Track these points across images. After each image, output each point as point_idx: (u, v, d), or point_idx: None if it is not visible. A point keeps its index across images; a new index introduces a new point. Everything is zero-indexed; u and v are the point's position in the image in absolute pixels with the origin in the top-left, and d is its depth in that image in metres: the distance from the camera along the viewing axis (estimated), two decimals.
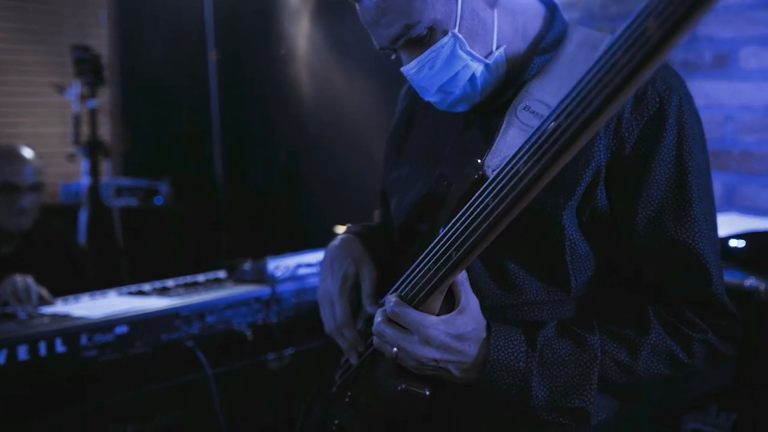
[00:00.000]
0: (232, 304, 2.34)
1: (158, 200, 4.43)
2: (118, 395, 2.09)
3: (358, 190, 3.92)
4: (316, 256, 2.68)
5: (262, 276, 2.50)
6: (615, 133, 1.10)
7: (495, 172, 0.97)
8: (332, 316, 1.34)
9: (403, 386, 1.10)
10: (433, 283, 1.06)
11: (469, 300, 1.07)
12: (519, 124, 1.12)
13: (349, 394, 1.32)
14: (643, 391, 1.16)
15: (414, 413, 1.12)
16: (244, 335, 2.31)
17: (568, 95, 0.87)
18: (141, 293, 2.52)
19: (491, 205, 0.95)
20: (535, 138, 0.90)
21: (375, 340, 1.11)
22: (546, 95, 1.12)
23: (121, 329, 2.08)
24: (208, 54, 4.21)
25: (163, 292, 2.51)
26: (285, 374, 2.44)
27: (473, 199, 1.01)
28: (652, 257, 1.12)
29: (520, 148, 0.93)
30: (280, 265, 2.54)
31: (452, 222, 1.04)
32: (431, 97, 1.20)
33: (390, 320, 1.08)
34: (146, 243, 4.33)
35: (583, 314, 1.16)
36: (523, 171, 0.91)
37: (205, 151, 4.35)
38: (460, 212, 1.03)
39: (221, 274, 2.76)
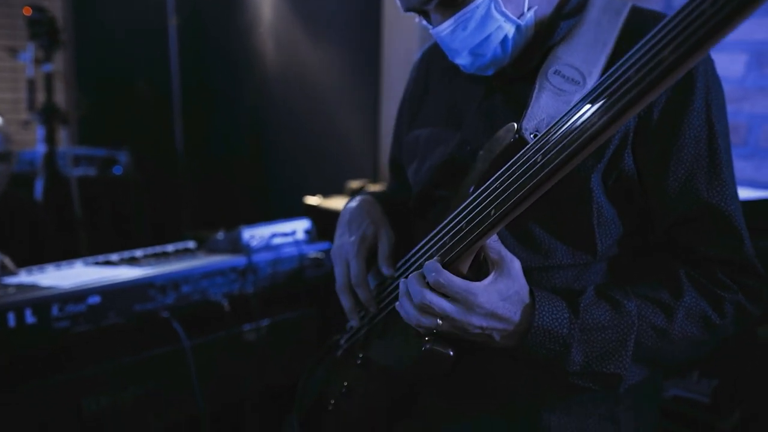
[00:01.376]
0: (208, 273, 2.28)
1: (117, 170, 4.29)
2: (91, 368, 2.02)
3: (325, 159, 3.87)
4: (290, 226, 2.63)
5: (236, 245, 2.44)
6: None
7: (544, 131, 0.95)
8: (345, 274, 1.30)
9: (428, 346, 1.07)
10: (465, 243, 1.02)
11: (513, 261, 1.04)
12: (552, 88, 1.10)
13: (360, 356, 1.29)
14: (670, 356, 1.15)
15: (436, 373, 1.10)
16: (220, 305, 2.25)
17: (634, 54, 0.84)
18: (109, 263, 2.43)
19: (540, 162, 0.92)
20: (602, 88, 0.87)
21: (413, 314, 1.05)
22: (575, 59, 1.11)
23: (94, 299, 2.00)
24: (168, 19, 4.08)
25: (132, 262, 2.44)
26: (261, 345, 2.40)
27: (516, 158, 0.98)
28: (684, 220, 1.12)
29: (577, 104, 0.91)
30: (255, 234, 2.48)
31: (489, 182, 1.01)
32: (461, 60, 1.18)
33: (434, 289, 1.03)
34: (105, 214, 4.20)
35: (609, 278, 1.16)
36: (580, 129, 0.88)
37: (166, 120, 4.23)
38: (500, 171, 1.00)
39: (191, 244, 2.69)
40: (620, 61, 0.85)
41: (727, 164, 1.11)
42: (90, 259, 2.46)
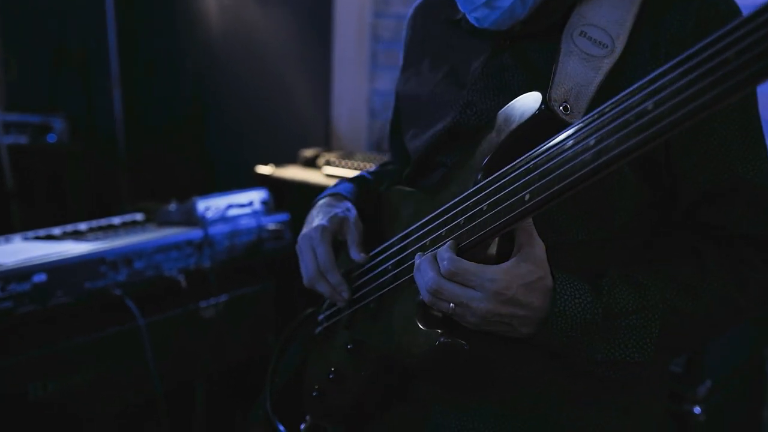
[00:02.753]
0: (162, 247, 2.15)
1: (51, 138, 4.05)
2: (38, 351, 1.88)
3: (276, 127, 3.73)
4: (247, 196, 2.51)
5: (191, 218, 2.31)
6: None
7: (599, 110, 0.81)
8: (314, 262, 1.22)
9: (443, 340, 0.98)
10: (488, 230, 0.92)
11: (535, 246, 0.94)
12: (579, 52, 0.99)
13: (350, 339, 1.20)
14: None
15: (449, 367, 1.02)
16: (176, 281, 2.12)
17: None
18: (51, 237, 2.27)
19: (595, 148, 0.79)
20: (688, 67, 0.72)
21: (426, 296, 0.97)
22: (601, 19, 1.00)
23: (40, 277, 1.85)
24: None
25: (77, 236, 2.28)
26: (219, 321, 2.29)
27: (559, 137, 0.86)
28: (712, 196, 1.03)
29: (648, 82, 0.76)
30: (210, 205, 2.35)
31: (519, 161, 0.90)
32: (475, 12, 1.08)
33: (449, 276, 0.94)
34: (40, 184, 3.97)
35: (628, 258, 1.06)
36: (662, 108, 0.73)
37: (103, 84, 4.00)
38: (533, 151, 0.89)
39: (138, 216, 2.54)
40: (711, 38, 0.69)
41: (761, 136, 1.02)
42: (29, 233, 2.29)
